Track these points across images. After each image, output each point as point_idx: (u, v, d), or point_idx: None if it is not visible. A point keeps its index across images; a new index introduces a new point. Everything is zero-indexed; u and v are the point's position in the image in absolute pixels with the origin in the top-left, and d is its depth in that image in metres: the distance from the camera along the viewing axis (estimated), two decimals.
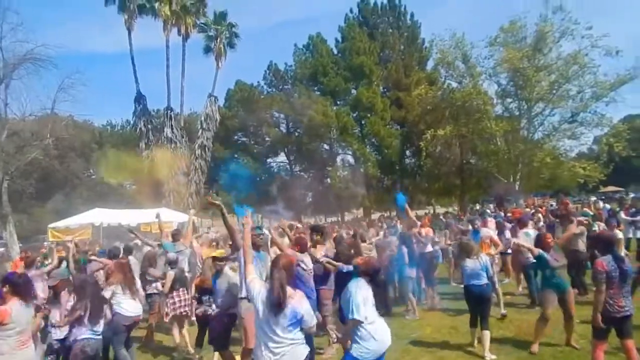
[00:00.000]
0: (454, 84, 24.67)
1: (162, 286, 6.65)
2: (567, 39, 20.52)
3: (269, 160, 33.64)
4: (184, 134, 26.20)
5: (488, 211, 17.52)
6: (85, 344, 4.54)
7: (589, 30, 19.78)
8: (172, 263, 6.74)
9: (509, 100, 23.05)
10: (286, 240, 6.66)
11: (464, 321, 6.13)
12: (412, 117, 27.81)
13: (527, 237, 7.46)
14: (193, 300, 6.55)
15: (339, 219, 29.56)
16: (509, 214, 14.27)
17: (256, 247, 5.16)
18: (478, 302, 5.69)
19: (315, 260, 5.74)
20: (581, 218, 8.86)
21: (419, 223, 8.29)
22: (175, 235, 8.16)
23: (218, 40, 26.51)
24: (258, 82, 32.73)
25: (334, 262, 5.78)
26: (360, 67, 28.59)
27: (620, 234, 8.14)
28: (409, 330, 6.73)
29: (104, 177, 27.44)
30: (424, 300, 8.38)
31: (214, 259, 5.48)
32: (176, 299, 6.48)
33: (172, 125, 25.03)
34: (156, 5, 24.19)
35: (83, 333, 4.57)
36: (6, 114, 21.80)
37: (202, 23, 26.58)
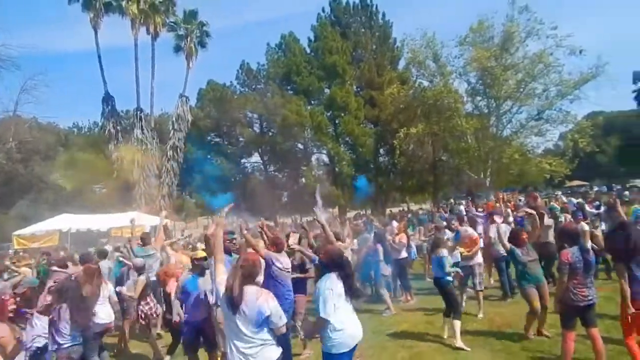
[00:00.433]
0: (425, 83, 25.09)
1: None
2: (533, 39, 21.17)
3: (243, 160, 33.34)
4: (155, 135, 25.61)
5: (462, 208, 17.90)
6: (71, 351, 4.39)
7: (553, 30, 20.46)
8: (139, 269, 6.60)
9: (478, 98, 23.60)
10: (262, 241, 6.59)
11: (440, 316, 6.23)
12: (385, 115, 28.11)
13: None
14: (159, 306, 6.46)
15: (314, 218, 29.56)
16: (480, 209, 14.63)
17: (228, 251, 5.09)
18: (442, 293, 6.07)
19: (289, 248, 5.71)
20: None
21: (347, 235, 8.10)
22: (145, 239, 7.96)
23: (188, 40, 26.04)
24: (230, 81, 32.35)
25: (307, 252, 5.70)
26: (333, 66, 28.66)
27: (586, 227, 8.41)
28: (386, 327, 6.79)
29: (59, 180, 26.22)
30: (400, 297, 8.56)
31: (194, 260, 5.37)
32: (145, 306, 6.37)
33: (142, 126, 24.41)
34: (123, 3, 23.53)
35: (67, 341, 4.40)
36: None
37: (171, 22, 26.03)
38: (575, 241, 4.48)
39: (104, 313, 5.39)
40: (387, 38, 32.30)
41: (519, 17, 21.30)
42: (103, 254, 8.07)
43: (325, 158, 31.39)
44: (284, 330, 3.23)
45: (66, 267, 6.96)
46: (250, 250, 6.20)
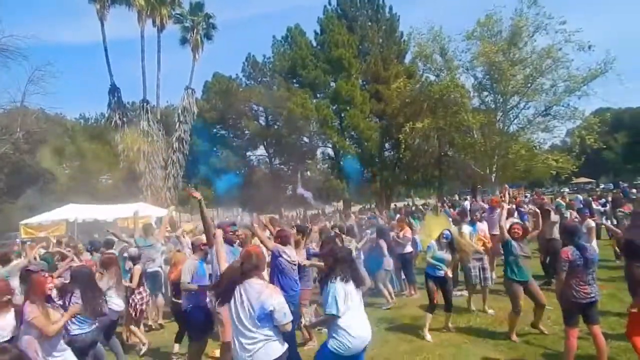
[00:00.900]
0: (432, 77, 24.90)
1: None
2: (542, 34, 20.93)
3: (248, 153, 33.43)
4: (161, 127, 25.71)
5: (466, 203, 17.85)
6: (79, 339, 4.37)
7: (562, 25, 20.21)
8: (134, 259, 6.68)
9: (485, 93, 23.42)
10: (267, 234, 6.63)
11: (441, 311, 6.24)
12: (391, 110, 28.00)
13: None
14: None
15: (320, 211, 29.64)
16: (486, 203, 14.58)
17: (230, 242, 5.11)
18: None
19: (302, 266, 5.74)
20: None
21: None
22: (147, 230, 8.04)
23: (194, 32, 26.01)
24: (236, 74, 32.46)
25: (318, 263, 5.72)
26: (339, 59, 28.55)
27: (592, 223, 8.39)
28: (388, 321, 6.82)
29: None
30: (404, 291, 8.63)
31: (201, 244, 5.41)
32: (138, 296, 6.46)
33: (148, 118, 24.50)
34: None
35: (77, 328, 4.39)
36: None
37: (177, 14, 26.01)
38: (573, 238, 4.47)
39: (117, 301, 5.51)
40: (394, 32, 32.11)
41: (527, 12, 21.08)
42: (109, 244, 8.14)
43: (330, 152, 31.42)
44: (289, 328, 3.16)
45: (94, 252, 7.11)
46: (255, 242, 6.29)
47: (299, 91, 28.18)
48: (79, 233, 14.23)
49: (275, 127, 31.33)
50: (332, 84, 30.05)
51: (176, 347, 5.96)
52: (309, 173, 29.49)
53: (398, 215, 11.37)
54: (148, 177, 23.72)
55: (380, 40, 31.51)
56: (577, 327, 4.38)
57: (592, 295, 4.30)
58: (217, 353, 5.34)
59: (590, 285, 4.31)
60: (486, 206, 9.89)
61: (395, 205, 28.75)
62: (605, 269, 8.33)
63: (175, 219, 19.07)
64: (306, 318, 5.77)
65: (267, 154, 33.53)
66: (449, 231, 6.17)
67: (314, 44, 31.21)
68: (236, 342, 3.11)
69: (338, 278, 3.51)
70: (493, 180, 22.80)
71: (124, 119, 24.53)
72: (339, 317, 3.40)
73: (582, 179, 43.42)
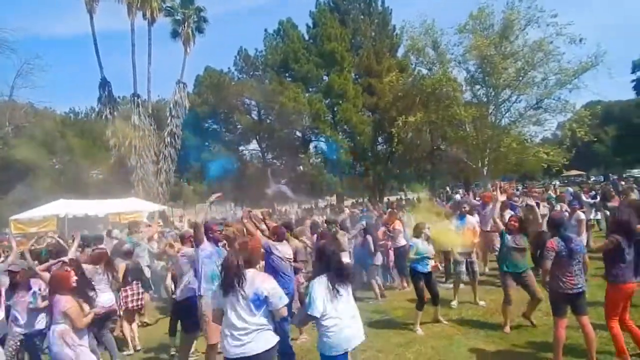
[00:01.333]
0: (424, 71, 24.90)
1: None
2: (533, 27, 21.00)
3: (240, 147, 33.29)
4: (152, 121, 25.46)
5: (457, 197, 17.98)
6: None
7: (554, 18, 20.30)
8: (127, 254, 6.66)
9: (477, 87, 23.48)
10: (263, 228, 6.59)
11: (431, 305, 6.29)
12: (384, 103, 27.99)
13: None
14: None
15: (312, 206, 29.65)
16: (477, 198, 14.67)
17: (215, 242, 5.08)
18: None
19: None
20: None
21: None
22: (131, 228, 8.00)
23: (186, 25, 25.73)
24: (228, 68, 32.22)
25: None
26: (332, 53, 28.44)
27: (582, 216, 8.50)
28: (380, 313, 6.87)
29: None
30: (397, 285, 8.69)
31: (190, 237, 5.41)
32: (129, 292, 6.42)
33: (139, 112, 24.25)
34: None
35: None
36: None
37: (168, 7, 25.68)
38: (559, 229, 4.52)
39: (107, 296, 5.48)
40: (386, 25, 32.03)
41: (519, 5, 21.12)
42: (99, 240, 8.09)
43: (323, 146, 31.36)
44: (284, 312, 3.18)
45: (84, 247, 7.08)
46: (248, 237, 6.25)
47: (291, 85, 28.05)
48: (70, 228, 14.10)
49: (268, 121, 31.20)
50: (325, 77, 29.94)
51: (171, 341, 5.95)
52: (301, 167, 29.43)
53: (389, 210, 11.40)
54: (139, 172, 23.52)
55: (373, 33, 31.43)
56: (565, 317, 4.43)
57: (579, 285, 4.34)
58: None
59: (577, 276, 4.34)
60: (477, 202, 9.96)
61: (388, 199, 28.83)
62: (595, 260, 8.42)
63: (168, 214, 18.98)
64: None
65: (259, 149, 33.42)
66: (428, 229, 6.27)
67: (306, 37, 31.05)
68: (227, 335, 3.10)
69: (323, 276, 3.42)
70: (485, 173, 22.95)
71: (115, 113, 24.27)
72: (318, 318, 3.28)
73: (573, 172, 43.81)
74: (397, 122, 23.74)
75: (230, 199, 28.77)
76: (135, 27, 24.02)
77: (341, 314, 3.33)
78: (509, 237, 5.72)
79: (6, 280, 5.20)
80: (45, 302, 4.59)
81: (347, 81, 28.64)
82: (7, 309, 5.09)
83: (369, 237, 7.92)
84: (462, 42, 22.56)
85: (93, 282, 5.22)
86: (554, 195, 13.44)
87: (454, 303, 6.95)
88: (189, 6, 26.02)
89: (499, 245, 8.65)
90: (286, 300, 3.18)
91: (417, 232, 6.27)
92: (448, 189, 32.94)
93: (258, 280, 3.10)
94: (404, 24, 25.28)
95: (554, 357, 4.45)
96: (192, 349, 5.59)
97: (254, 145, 33.50)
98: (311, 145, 31.54)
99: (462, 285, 7.28)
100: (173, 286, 6.21)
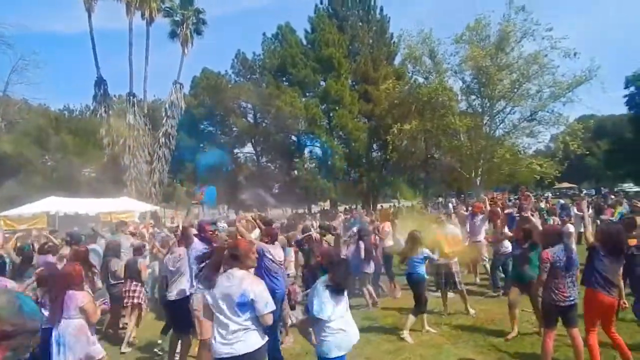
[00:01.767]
0: (421, 80, 25.12)
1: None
2: (529, 40, 21.29)
3: (235, 150, 33.22)
4: (147, 121, 25.34)
5: (451, 205, 18.06)
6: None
7: (549, 31, 20.57)
8: (137, 250, 6.68)
9: (472, 97, 23.71)
10: (256, 231, 6.56)
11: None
12: (380, 110, 28.13)
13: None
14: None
15: (306, 210, 29.63)
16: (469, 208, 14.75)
17: (209, 242, 5.05)
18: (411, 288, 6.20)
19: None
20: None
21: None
22: (118, 227, 7.99)
23: (184, 26, 25.70)
24: (226, 70, 32.23)
25: None
26: (330, 59, 28.55)
27: (571, 227, 8.56)
28: (371, 321, 6.84)
29: None
30: (386, 292, 8.63)
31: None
32: (130, 288, 6.42)
33: (134, 112, 24.13)
34: None
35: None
36: None
37: (167, 7, 25.65)
38: (560, 239, 4.55)
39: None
40: (384, 33, 32.26)
41: (515, 17, 21.41)
42: (91, 238, 8.03)
43: (318, 151, 31.39)
44: (269, 319, 3.13)
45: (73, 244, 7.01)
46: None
47: (288, 89, 28.10)
48: (60, 226, 13.97)
49: (264, 125, 31.20)
50: (322, 83, 30.05)
51: (162, 339, 5.92)
52: (295, 172, 29.41)
53: (382, 211, 11.49)
54: (133, 172, 23.38)
55: (371, 41, 31.63)
56: (554, 329, 4.44)
57: (571, 298, 4.35)
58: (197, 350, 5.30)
59: (569, 288, 4.35)
60: (465, 213, 9.99)
61: (381, 206, 28.87)
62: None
63: (160, 215, 18.84)
64: (292, 318, 5.77)
65: (254, 152, 33.38)
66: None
67: (304, 42, 31.16)
68: (216, 334, 3.11)
69: (328, 280, 3.54)
70: (478, 183, 23.09)
71: (110, 111, 24.13)
72: (324, 320, 3.40)
73: (565, 184, 44.23)
74: (392, 129, 23.85)
75: (224, 201, 28.67)
76: (133, 27, 23.99)
77: (344, 316, 3.56)
78: (509, 245, 5.77)
79: None
80: None
81: (343, 87, 28.75)
82: None
83: (361, 243, 7.90)
84: (459, 52, 22.83)
85: None
86: (545, 208, 13.55)
87: (444, 312, 6.94)
88: (188, 7, 26.01)
89: (486, 255, 8.78)
90: (272, 307, 3.13)
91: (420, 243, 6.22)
92: (441, 198, 33.07)
93: (246, 282, 3.08)
94: (402, 33, 25.52)
95: None
96: (190, 350, 5.52)
97: (248, 148, 33.51)
98: (306, 150, 31.58)
99: (451, 295, 7.28)
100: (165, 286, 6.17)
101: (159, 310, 7.22)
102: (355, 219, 10.31)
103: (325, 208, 30.50)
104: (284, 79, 29.92)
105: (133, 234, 8.32)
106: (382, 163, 31.22)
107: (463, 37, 22.34)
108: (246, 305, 3.04)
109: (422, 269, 6.09)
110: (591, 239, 4.50)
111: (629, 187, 39.94)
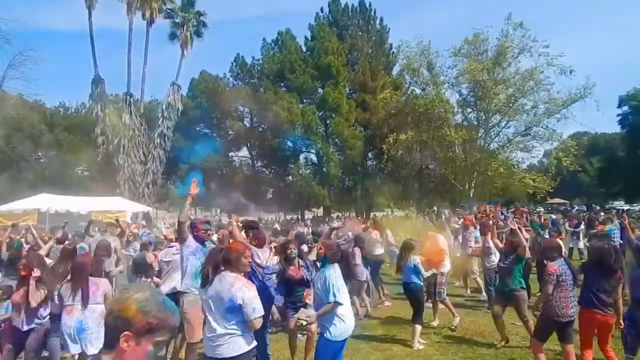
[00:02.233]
0: (418, 91, 25.35)
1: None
2: (525, 56, 21.58)
3: (231, 154, 33.18)
4: (143, 121, 25.25)
5: (443, 217, 18.08)
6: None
7: (546, 48, 20.86)
8: (145, 247, 6.68)
9: (468, 110, 23.94)
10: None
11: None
12: (376, 120, 28.28)
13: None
14: None
15: (299, 216, 29.56)
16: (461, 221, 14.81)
17: (202, 240, 5.02)
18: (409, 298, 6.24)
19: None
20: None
21: None
22: (108, 228, 7.94)
23: (184, 28, 25.71)
24: (224, 73, 32.28)
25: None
26: (328, 66, 28.67)
27: (561, 243, 8.59)
28: (361, 330, 6.81)
29: None
30: (376, 299, 8.61)
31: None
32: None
33: (131, 112, 24.04)
34: None
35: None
36: None
37: (168, 9, 25.67)
38: (560, 253, 4.60)
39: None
40: (383, 43, 32.50)
41: (513, 34, 21.70)
42: (80, 236, 7.97)
43: (313, 157, 31.42)
44: (257, 324, 3.11)
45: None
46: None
47: (285, 95, 28.16)
48: (51, 223, 13.83)
49: (260, 129, 31.22)
50: (320, 90, 30.10)
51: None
52: (290, 177, 29.40)
53: (374, 220, 11.50)
54: (126, 171, 23.22)
55: (370, 50, 31.85)
56: (544, 342, 4.45)
57: (573, 315, 4.33)
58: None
59: (572, 303, 4.33)
60: (457, 226, 10.01)
61: (375, 215, 28.87)
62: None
63: (152, 216, 18.73)
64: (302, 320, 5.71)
65: (249, 156, 33.35)
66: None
67: (304, 49, 31.26)
68: (206, 336, 3.16)
69: (338, 269, 3.97)
70: (471, 195, 23.23)
71: (106, 110, 24.01)
72: (342, 304, 3.80)
73: (557, 200, 44.51)
74: (388, 139, 23.98)
75: (217, 205, 28.55)
76: (133, 27, 23.98)
77: (347, 302, 3.96)
78: (497, 255, 5.85)
79: None
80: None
81: (341, 95, 28.85)
82: None
83: (357, 250, 7.88)
84: (456, 65, 23.09)
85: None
86: (538, 223, 13.57)
87: (434, 323, 6.93)
88: (189, 10, 26.05)
89: (477, 269, 8.79)
90: (261, 312, 3.10)
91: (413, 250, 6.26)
92: (435, 208, 33.14)
93: (236, 287, 3.06)
94: (401, 43, 25.75)
95: None
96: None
97: (244, 152, 33.46)
98: (301, 156, 31.60)
99: (441, 305, 7.26)
100: None
101: None
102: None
103: (318, 215, 30.45)
104: (282, 84, 29.99)
105: (121, 235, 8.27)
106: (377, 172, 31.27)
107: (461, 51, 22.62)
108: (235, 310, 3.03)
109: (417, 278, 6.06)
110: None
111: (620, 204, 40.28)
